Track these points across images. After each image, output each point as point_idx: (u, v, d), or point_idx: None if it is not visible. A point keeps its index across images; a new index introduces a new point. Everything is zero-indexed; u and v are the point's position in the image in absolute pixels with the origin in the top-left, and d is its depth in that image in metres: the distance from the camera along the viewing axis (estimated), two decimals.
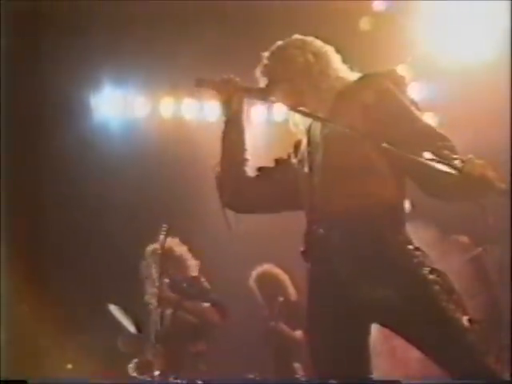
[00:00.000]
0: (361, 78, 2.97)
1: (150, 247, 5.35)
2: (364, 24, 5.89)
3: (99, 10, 5.96)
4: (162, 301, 5.02)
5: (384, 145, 2.57)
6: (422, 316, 2.65)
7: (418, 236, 2.89)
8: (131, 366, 5.17)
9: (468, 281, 4.57)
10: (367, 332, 2.83)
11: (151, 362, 4.96)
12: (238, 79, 3.06)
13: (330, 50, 3.06)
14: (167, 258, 5.09)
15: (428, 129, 2.77)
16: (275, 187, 3.10)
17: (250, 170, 3.11)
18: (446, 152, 2.61)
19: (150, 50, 6.36)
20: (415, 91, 6.12)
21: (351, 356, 2.79)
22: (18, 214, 6.51)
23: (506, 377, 2.65)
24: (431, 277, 2.68)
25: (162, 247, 5.05)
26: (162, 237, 5.05)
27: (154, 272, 5.10)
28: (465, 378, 2.60)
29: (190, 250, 5.48)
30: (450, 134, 2.77)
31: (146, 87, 7.18)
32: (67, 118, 6.84)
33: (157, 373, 4.84)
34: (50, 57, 6.35)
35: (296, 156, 3.10)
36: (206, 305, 5.22)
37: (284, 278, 5.78)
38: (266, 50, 3.10)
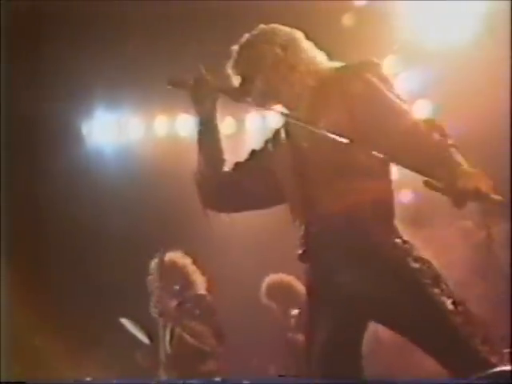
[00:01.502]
0: (338, 70, 2.90)
1: (155, 261, 5.29)
2: (347, 19, 5.86)
3: (89, 29, 5.98)
4: (162, 315, 5.02)
5: (374, 153, 2.53)
6: (409, 301, 2.65)
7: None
8: None
9: (475, 265, 4.53)
10: (364, 329, 2.84)
11: None
12: (210, 78, 3.00)
13: (298, 37, 2.98)
14: (170, 272, 5.07)
15: (415, 124, 2.66)
16: (255, 179, 3.05)
17: (228, 170, 3.09)
18: (434, 150, 2.55)
19: (141, 69, 6.36)
20: (406, 80, 6.12)
21: (350, 353, 2.80)
22: (20, 235, 6.58)
23: (494, 359, 2.56)
24: (416, 265, 2.68)
25: (161, 263, 5.08)
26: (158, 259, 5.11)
27: (156, 286, 5.11)
28: (451, 362, 2.58)
29: (195, 263, 5.41)
30: (444, 121, 2.72)
31: (139, 108, 7.19)
32: (63, 141, 6.89)
33: None
34: (44, 78, 6.43)
35: (274, 146, 3.05)
36: (204, 328, 5.13)
37: (296, 284, 5.68)
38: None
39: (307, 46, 2.98)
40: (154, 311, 5.08)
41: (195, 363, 5.12)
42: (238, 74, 2.98)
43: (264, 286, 5.76)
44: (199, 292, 5.31)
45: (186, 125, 7.32)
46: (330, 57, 3.08)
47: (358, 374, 2.80)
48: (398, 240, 2.75)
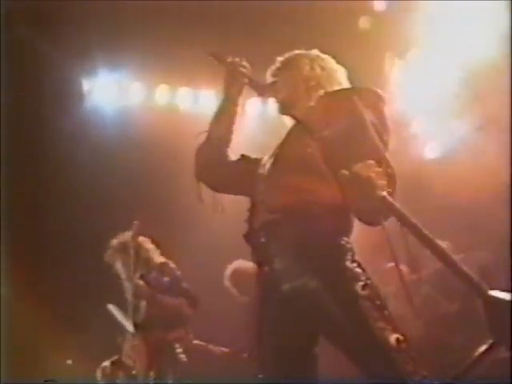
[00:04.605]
0: (335, 91, 3.01)
1: (114, 242, 5.33)
2: (364, 23, 5.86)
3: None
4: (136, 294, 5.06)
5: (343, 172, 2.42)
6: (352, 331, 2.65)
7: None
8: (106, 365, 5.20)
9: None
10: (314, 341, 2.85)
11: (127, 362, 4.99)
12: (247, 65, 3.21)
13: (339, 70, 3.14)
14: (129, 249, 5.10)
15: (375, 152, 2.59)
16: (244, 175, 3.12)
17: (231, 152, 3.22)
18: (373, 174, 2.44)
19: (147, 36, 6.32)
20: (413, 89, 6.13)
21: (300, 360, 2.80)
22: (16, 207, 6.52)
23: None
24: (363, 292, 2.67)
25: (135, 241, 5.13)
26: (131, 233, 5.13)
27: (121, 266, 5.18)
28: None
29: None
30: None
31: (142, 73, 7.17)
32: (63, 104, 6.83)
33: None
34: (46, 42, 6.33)
35: None
36: (178, 299, 5.18)
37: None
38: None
39: (342, 78, 3.11)
40: (126, 292, 5.12)
41: (162, 332, 5.16)
42: (273, 77, 3.16)
43: (230, 269, 5.79)
44: (160, 261, 5.33)
45: (185, 98, 7.37)
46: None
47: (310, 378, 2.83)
48: (348, 257, 2.74)
